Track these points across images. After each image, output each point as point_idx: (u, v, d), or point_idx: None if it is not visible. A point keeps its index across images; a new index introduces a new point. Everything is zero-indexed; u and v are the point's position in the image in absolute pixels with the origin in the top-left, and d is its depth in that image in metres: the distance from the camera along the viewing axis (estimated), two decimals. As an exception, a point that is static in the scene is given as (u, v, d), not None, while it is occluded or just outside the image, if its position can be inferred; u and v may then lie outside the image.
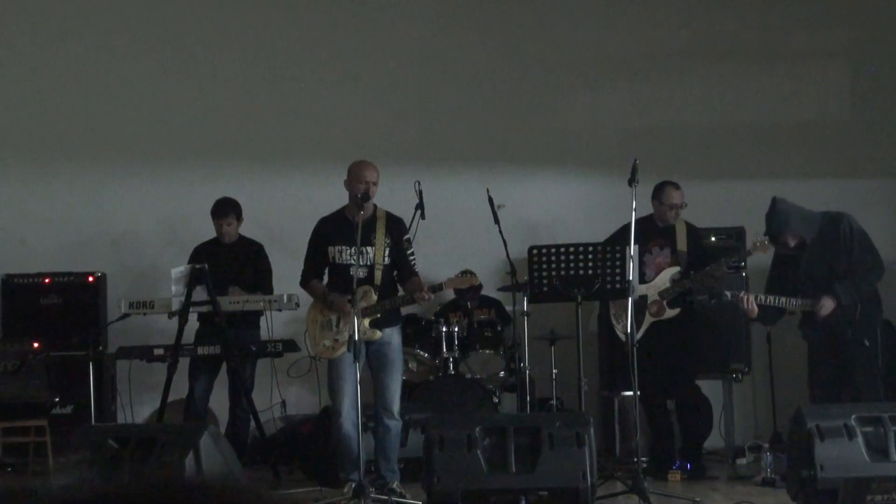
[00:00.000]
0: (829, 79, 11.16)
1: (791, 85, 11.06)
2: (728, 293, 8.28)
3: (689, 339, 8.76)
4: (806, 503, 6.64)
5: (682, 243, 8.75)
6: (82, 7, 10.71)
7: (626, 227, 8.30)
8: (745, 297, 8.16)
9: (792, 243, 8.23)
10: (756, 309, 8.16)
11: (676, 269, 8.69)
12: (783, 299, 8.16)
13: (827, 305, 8.07)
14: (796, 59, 11.13)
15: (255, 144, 10.70)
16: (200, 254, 9.21)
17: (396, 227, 7.96)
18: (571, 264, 7.93)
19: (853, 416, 6.61)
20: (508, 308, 9.79)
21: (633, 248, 7.76)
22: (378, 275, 7.82)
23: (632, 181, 7.72)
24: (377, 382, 7.84)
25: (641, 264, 8.80)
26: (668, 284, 8.66)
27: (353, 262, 7.74)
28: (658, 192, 8.79)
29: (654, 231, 8.80)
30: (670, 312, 8.64)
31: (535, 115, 10.95)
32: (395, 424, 7.83)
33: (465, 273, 9.79)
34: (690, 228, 8.87)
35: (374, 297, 7.75)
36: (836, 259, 8.15)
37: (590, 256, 7.92)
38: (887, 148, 10.94)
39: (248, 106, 10.72)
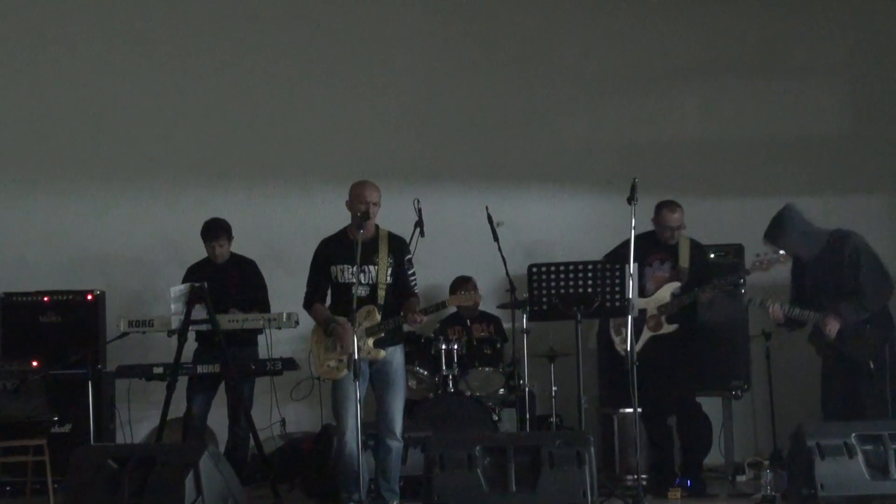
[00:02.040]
0: (829, 94, 11.17)
1: (790, 100, 11.07)
2: (758, 300, 8.26)
3: (689, 354, 8.73)
4: (806, 521, 6.64)
5: (684, 259, 8.74)
6: (82, 27, 10.72)
7: (626, 242, 8.28)
8: (772, 307, 8.18)
9: (781, 253, 8.24)
10: (782, 317, 8.19)
11: (677, 284, 8.68)
12: (806, 312, 8.17)
13: (832, 326, 8.06)
14: (795, 74, 11.14)
15: (254, 162, 10.71)
16: (194, 274, 9.22)
17: (399, 247, 7.96)
18: (571, 282, 7.92)
19: (853, 435, 6.62)
20: (507, 325, 9.78)
21: (632, 267, 7.75)
22: (381, 294, 7.80)
23: (631, 199, 7.71)
24: (380, 402, 7.81)
25: (641, 277, 8.79)
26: (667, 299, 8.66)
27: (354, 280, 7.73)
28: (656, 213, 8.80)
29: (655, 245, 8.80)
30: (668, 328, 8.63)
31: (534, 132, 10.97)
32: (396, 445, 7.79)
33: (460, 279, 9.82)
34: (694, 245, 8.85)
35: (378, 317, 7.75)
36: (839, 278, 8.13)
37: (589, 274, 7.90)
38: (887, 163, 10.94)
39: (248, 123, 10.73)
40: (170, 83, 10.74)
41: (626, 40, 11.10)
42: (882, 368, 7.98)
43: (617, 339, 8.65)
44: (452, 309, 9.87)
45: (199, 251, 9.45)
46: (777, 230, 8.18)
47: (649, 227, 8.87)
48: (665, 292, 8.68)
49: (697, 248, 8.86)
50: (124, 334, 9.07)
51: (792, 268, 8.47)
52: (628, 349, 7.62)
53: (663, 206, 8.76)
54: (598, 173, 10.74)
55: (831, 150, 10.99)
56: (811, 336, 8.41)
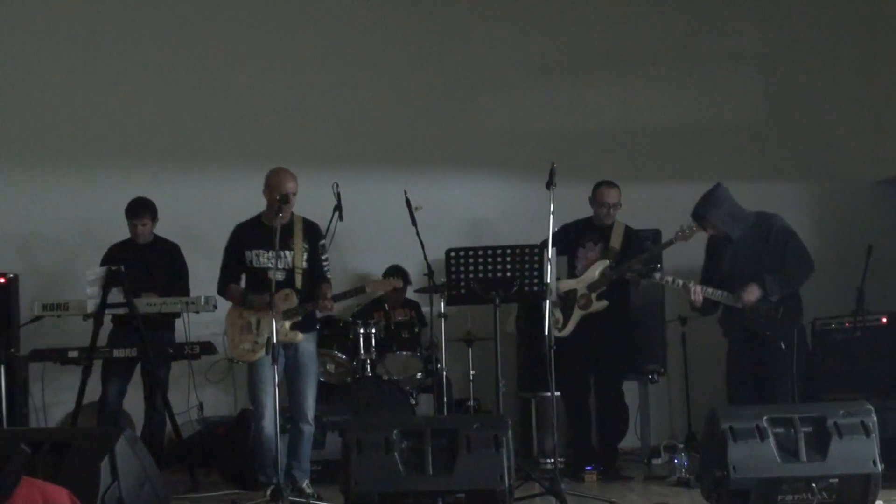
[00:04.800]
0: (743, 83, 11.34)
1: (706, 89, 11.22)
2: (680, 281, 8.32)
3: (619, 337, 8.84)
4: (719, 503, 6.72)
5: (616, 241, 8.83)
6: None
7: (560, 229, 8.34)
8: (694, 288, 8.22)
9: (710, 232, 8.31)
10: (702, 300, 8.24)
11: (606, 262, 8.75)
12: (719, 292, 8.25)
13: (752, 291, 8.12)
14: (711, 63, 11.29)
15: (171, 145, 10.62)
16: (115, 254, 9.12)
17: (313, 233, 8.04)
18: (489, 266, 7.94)
19: (765, 418, 6.70)
20: (426, 309, 9.80)
21: (551, 251, 7.80)
22: (298, 279, 7.88)
23: (549, 184, 7.75)
24: (293, 387, 7.86)
25: (574, 259, 8.88)
26: (596, 278, 8.72)
27: (270, 265, 7.75)
28: (593, 192, 8.91)
29: (589, 229, 8.90)
30: (598, 305, 8.70)
31: (453, 117, 11.00)
32: (308, 429, 7.88)
33: (391, 269, 9.80)
34: (629, 230, 8.94)
35: (296, 300, 7.80)
36: (764, 257, 8.21)
37: (507, 259, 7.93)
38: (799, 151, 11.13)
39: (166, 106, 10.65)
40: (87, 65, 10.64)
41: (546, 28, 11.15)
42: (790, 350, 8.09)
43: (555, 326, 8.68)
44: (378, 293, 9.88)
45: (115, 233, 9.35)
46: (706, 209, 8.24)
47: (577, 212, 8.96)
48: (594, 271, 8.76)
49: (632, 232, 8.97)
50: (38, 318, 8.96)
51: (706, 249, 8.56)
52: (546, 333, 7.65)
53: (601, 184, 8.94)
54: (516, 158, 10.79)
55: (746, 138, 11.17)
56: (721, 318, 8.50)
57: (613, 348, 8.81)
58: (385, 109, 10.90)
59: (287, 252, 7.84)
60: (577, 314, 8.74)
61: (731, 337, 8.42)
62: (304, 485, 7.81)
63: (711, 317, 8.66)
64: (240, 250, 7.95)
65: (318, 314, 8.17)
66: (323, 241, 8.12)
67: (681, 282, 8.32)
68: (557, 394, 8.24)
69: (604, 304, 8.72)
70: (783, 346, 8.05)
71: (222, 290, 8.06)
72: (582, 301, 8.74)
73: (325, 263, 8.05)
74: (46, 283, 10.14)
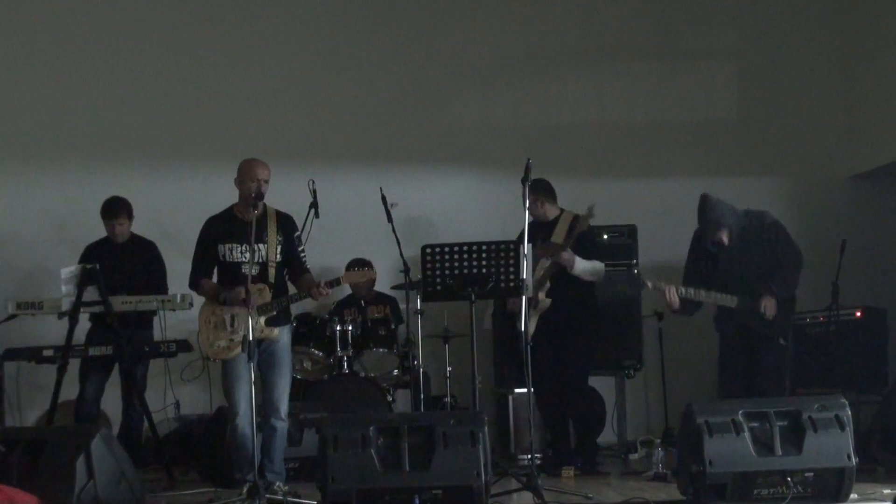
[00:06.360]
0: (718, 78, 11.36)
1: (681, 84, 11.25)
2: (650, 283, 8.28)
3: (581, 334, 8.79)
4: (695, 497, 6.75)
5: (557, 235, 8.76)
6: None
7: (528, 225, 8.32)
8: (668, 289, 8.19)
9: (727, 240, 8.29)
10: (677, 301, 8.20)
11: (549, 260, 8.72)
12: (703, 292, 8.22)
13: (771, 305, 8.11)
14: (685, 59, 11.32)
15: (147, 142, 10.59)
16: (92, 253, 9.09)
17: (287, 225, 7.92)
18: (465, 263, 7.90)
19: (740, 412, 6.74)
20: (402, 306, 9.80)
21: (526, 247, 7.78)
22: (271, 272, 7.76)
23: (525, 180, 7.74)
24: (265, 382, 7.74)
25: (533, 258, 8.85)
26: (541, 276, 8.70)
27: (244, 259, 7.66)
28: None
29: (540, 227, 8.86)
30: (545, 303, 8.64)
31: (429, 113, 11.00)
32: (281, 425, 7.75)
33: (357, 262, 9.77)
34: (573, 219, 8.81)
35: (269, 295, 7.71)
36: (762, 256, 8.20)
37: (483, 255, 7.89)
38: (774, 146, 11.17)
39: (140, 103, 10.62)
40: (59, 61, 10.60)
41: (521, 24, 11.17)
42: (787, 344, 8.12)
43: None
44: (348, 291, 9.88)
45: (89, 231, 9.32)
46: (715, 223, 8.20)
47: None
48: (540, 270, 8.71)
49: (573, 221, 8.78)
50: (13, 316, 8.93)
51: (691, 249, 8.53)
52: (523, 329, 7.63)
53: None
54: (492, 154, 10.80)
55: (721, 134, 11.20)
56: (717, 317, 8.49)
57: (574, 345, 8.74)
58: (361, 106, 10.89)
59: (261, 245, 7.71)
60: (533, 316, 8.69)
61: (724, 333, 8.41)
62: (277, 486, 7.71)
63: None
64: (212, 244, 7.82)
65: (316, 305, 8.04)
66: (298, 233, 8.01)
67: (651, 283, 8.29)
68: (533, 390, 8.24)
69: (548, 301, 8.65)
70: (783, 342, 8.07)
71: (194, 284, 7.92)
72: (533, 301, 8.67)
73: (302, 255, 7.94)
74: (21, 281, 10.11)
